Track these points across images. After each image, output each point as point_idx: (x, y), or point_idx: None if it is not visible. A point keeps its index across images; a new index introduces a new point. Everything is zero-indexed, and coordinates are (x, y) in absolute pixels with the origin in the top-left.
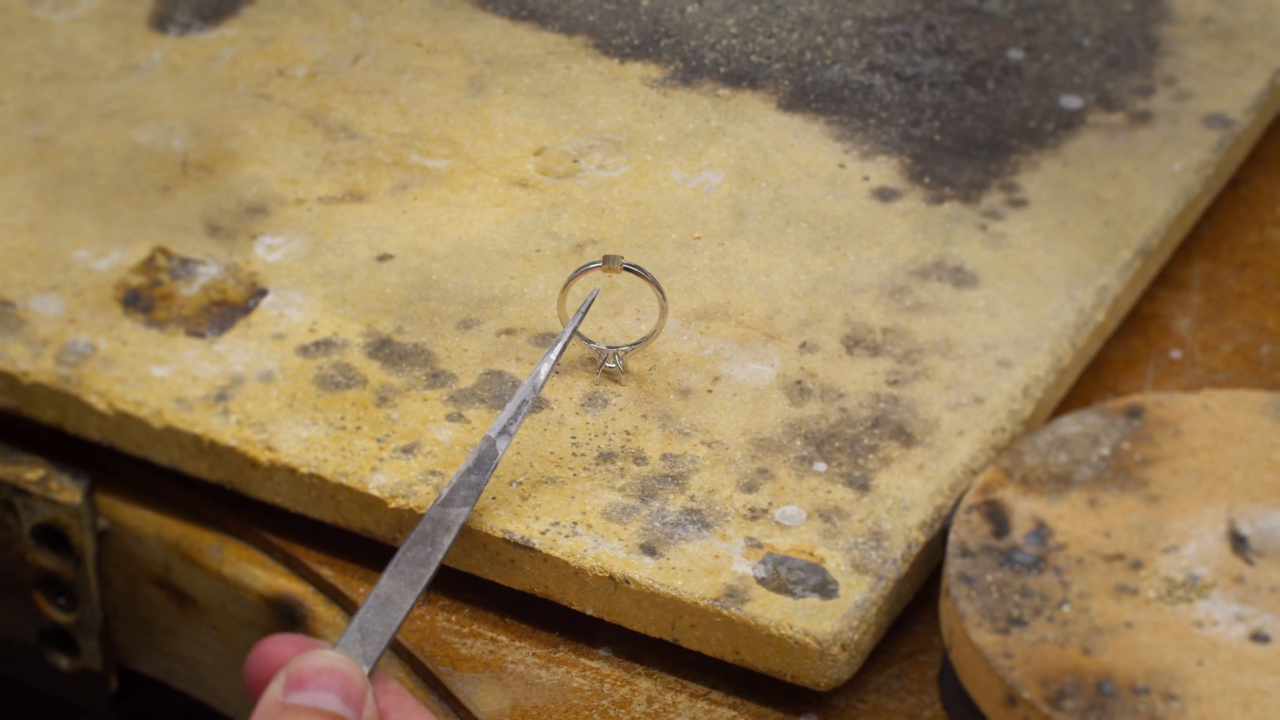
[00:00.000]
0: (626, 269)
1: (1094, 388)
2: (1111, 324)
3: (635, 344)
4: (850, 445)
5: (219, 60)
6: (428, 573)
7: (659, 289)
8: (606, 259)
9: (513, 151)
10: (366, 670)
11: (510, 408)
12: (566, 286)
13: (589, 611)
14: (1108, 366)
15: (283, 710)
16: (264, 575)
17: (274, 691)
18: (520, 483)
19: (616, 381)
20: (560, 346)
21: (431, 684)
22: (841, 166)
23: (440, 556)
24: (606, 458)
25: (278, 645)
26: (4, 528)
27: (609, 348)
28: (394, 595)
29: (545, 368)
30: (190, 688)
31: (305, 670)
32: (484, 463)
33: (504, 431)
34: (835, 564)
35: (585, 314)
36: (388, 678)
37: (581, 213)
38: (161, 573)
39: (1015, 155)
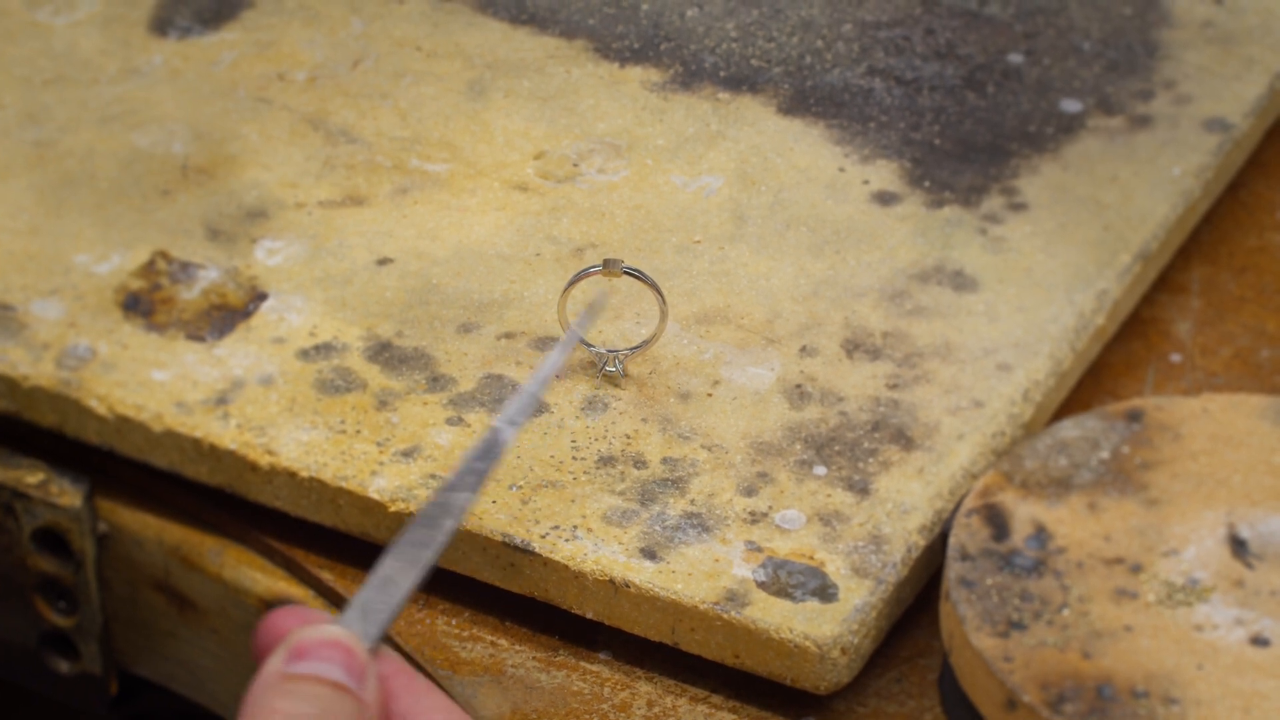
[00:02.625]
0: (626, 273)
1: (1094, 391)
2: (1111, 328)
3: (635, 348)
4: (850, 449)
5: (219, 64)
6: (429, 553)
7: (659, 293)
8: (607, 263)
9: (513, 155)
10: (368, 647)
11: (519, 400)
12: (566, 290)
13: (589, 615)
14: (1107, 370)
15: (284, 679)
16: (264, 579)
17: (275, 662)
18: (520, 486)
19: (616, 385)
20: (567, 347)
21: None
22: (841, 170)
23: (443, 539)
24: (606, 461)
25: (284, 617)
26: (4, 532)
27: (609, 351)
28: (395, 575)
29: (555, 357)
30: (190, 691)
31: (307, 641)
32: (491, 450)
33: (511, 422)
34: (835, 568)
35: (591, 319)
36: (388, 652)
37: (581, 217)
38: (161, 576)
39: (1015, 159)
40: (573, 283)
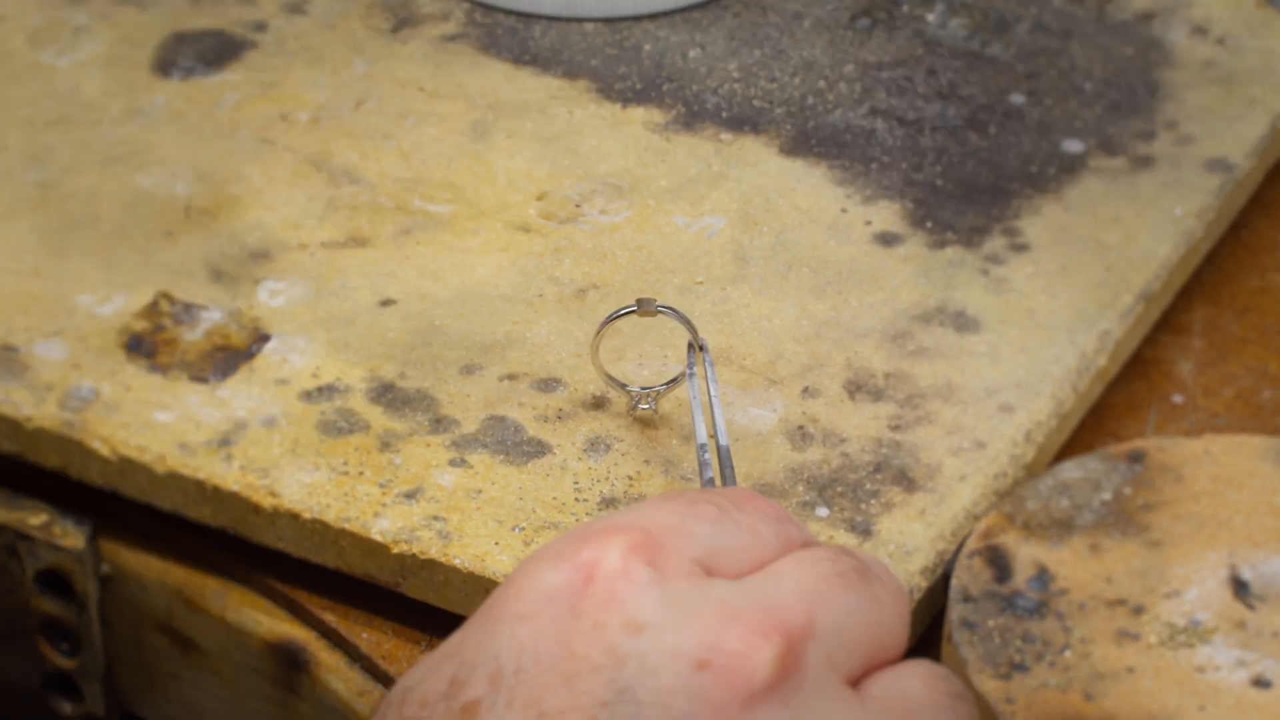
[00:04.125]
0: (661, 311)
1: (1096, 432)
2: (1113, 368)
3: (668, 384)
4: (852, 490)
5: (222, 105)
6: None
7: (693, 331)
8: (640, 303)
9: (515, 196)
10: None
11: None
12: (600, 333)
13: None
14: (1109, 411)
15: None
16: (267, 621)
17: None
18: (523, 528)
19: (650, 425)
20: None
21: None
22: (844, 211)
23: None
24: (609, 503)
25: None
26: (7, 573)
27: (641, 389)
28: None
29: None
30: None
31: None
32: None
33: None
34: None
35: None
36: None
37: (584, 258)
38: (164, 618)
39: (1017, 200)
40: (607, 323)
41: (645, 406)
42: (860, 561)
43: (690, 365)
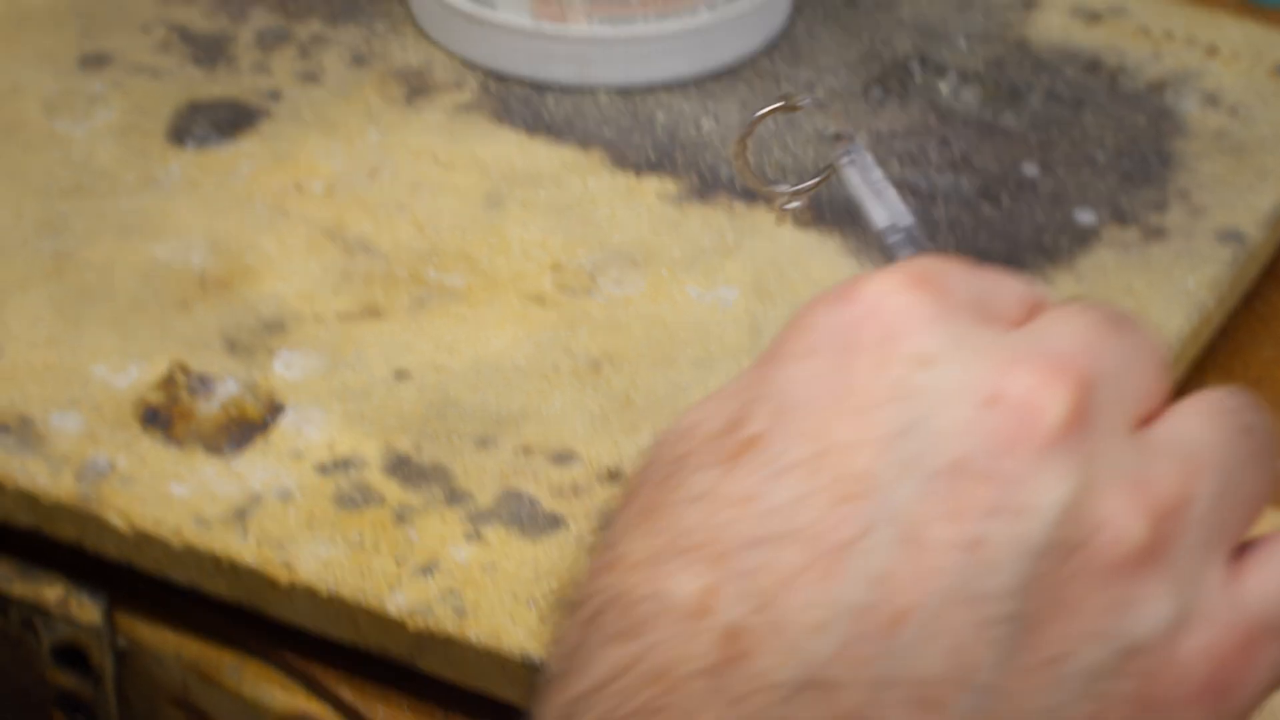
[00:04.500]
0: (803, 106)
1: None
2: None
3: (818, 177)
4: None
5: (236, 175)
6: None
7: (841, 121)
8: (785, 97)
9: (529, 266)
10: None
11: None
12: (745, 138)
13: None
14: None
15: None
16: (283, 695)
17: None
18: (538, 603)
19: (802, 225)
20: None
21: None
22: None
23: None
24: None
25: None
26: (24, 647)
27: (791, 188)
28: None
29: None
30: None
31: None
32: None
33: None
34: None
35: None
36: None
37: (598, 330)
38: (180, 692)
39: (1030, 271)
40: (755, 123)
41: (791, 206)
42: (1114, 310)
43: (841, 156)
